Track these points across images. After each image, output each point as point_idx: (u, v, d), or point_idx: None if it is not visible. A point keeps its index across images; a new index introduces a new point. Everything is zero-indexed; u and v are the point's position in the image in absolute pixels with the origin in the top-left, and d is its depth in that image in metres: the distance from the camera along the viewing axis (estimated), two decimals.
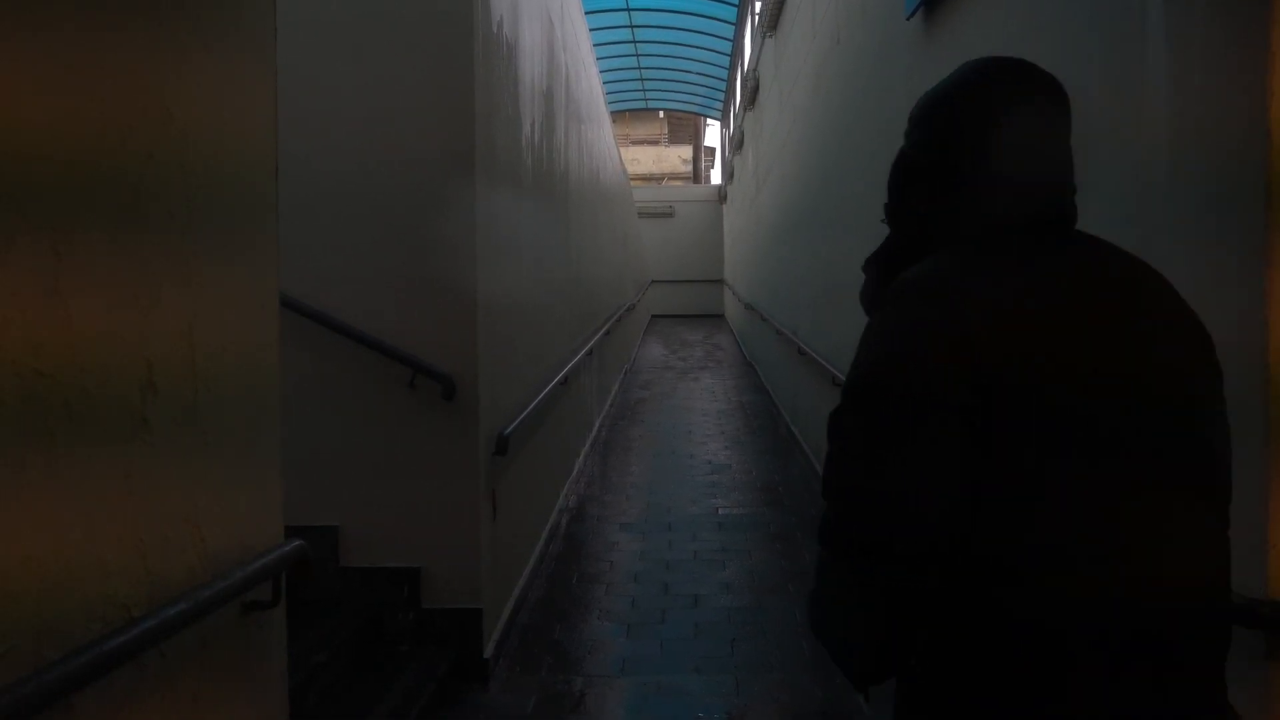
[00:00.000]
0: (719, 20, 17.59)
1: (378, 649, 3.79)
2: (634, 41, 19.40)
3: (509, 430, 4.19)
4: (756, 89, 13.91)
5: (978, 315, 1.07)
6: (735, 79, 19.25)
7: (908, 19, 4.41)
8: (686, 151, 38.23)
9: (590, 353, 8.17)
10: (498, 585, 4.17)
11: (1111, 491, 1.07)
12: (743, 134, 17.11)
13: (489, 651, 3.93)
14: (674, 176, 35.26)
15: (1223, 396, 1.21)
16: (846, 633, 1.17)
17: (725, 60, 19.72)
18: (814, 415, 7.72)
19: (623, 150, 31.84)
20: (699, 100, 24.39)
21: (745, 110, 16.05)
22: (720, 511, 6.56)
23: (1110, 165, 2.23)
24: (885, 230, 1.37)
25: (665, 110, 32.39)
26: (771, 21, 11.35)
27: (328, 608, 3.78)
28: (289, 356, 4.02)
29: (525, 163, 5.06)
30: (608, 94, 16.82)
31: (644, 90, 23.35)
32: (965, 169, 1.22)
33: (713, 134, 38.26)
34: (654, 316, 25.28)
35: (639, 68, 21.34)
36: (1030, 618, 1.06)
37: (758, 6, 13.64)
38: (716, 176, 31.82)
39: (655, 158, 36.40)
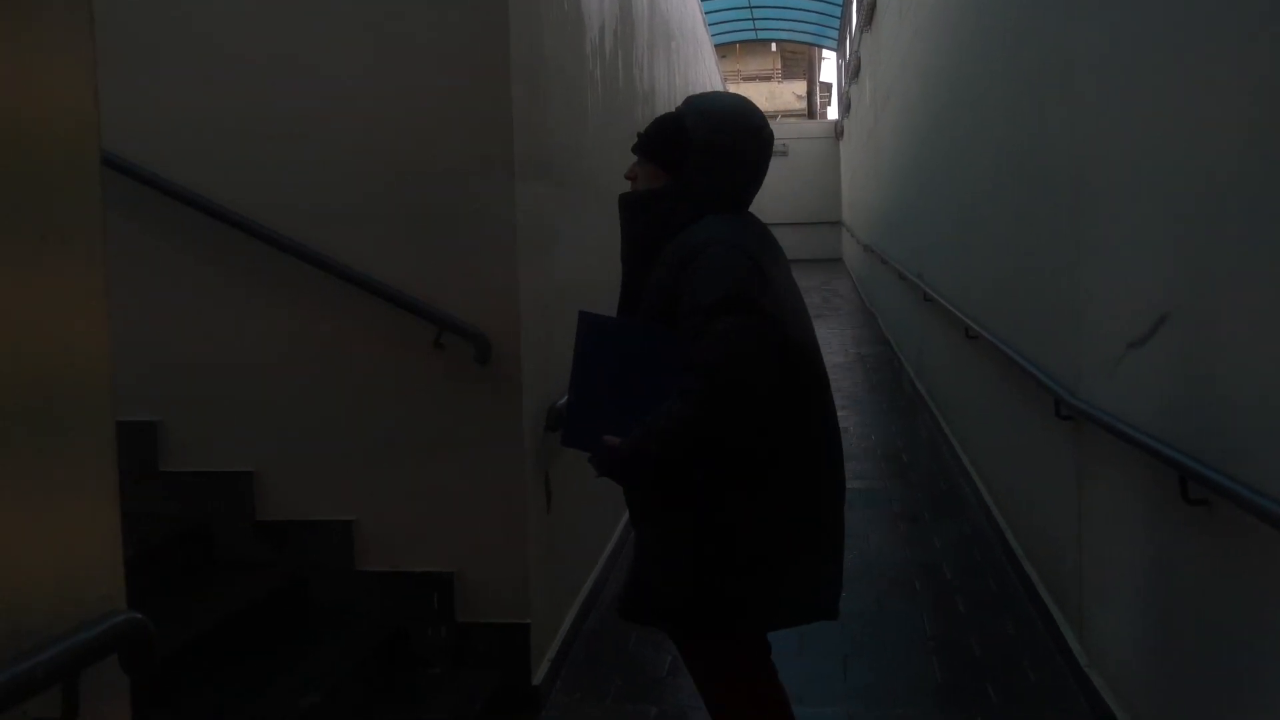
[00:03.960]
0: None
1: (403, 671, 3.10)
2: None
3: (565, 401, 3.40)
4: (874, 6, 12.61)
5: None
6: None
7: None
8: (800, 87, 36.41)
9: None
10: (552, 593, 3.41)
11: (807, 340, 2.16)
12: (859, 60, 15.77)
13: (540, 676, 3.19)
14: (788, 114, 33.61)
15: None
16: (684, 461, 1.97)
17: None
18: (944, 371, 6.70)
19: (734, 87, 30.58)
20: (813, 29, 22.88)
21: (862, 33, 14.72)
22: None
23: None
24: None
25: (777, 42, 30.84)
26: None
27: (341, 620, 3.10)
28: (274, 315, 3.22)
29: (591, 74, 4.20)
30: (711, 25, 15.72)
31: (753, 20, 21.99)
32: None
33: (828, 68, 36.44)
34: None
35: None
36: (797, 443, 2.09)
37: None
38: (834, 114, 30.19)
39: (768, 95, 34.78)
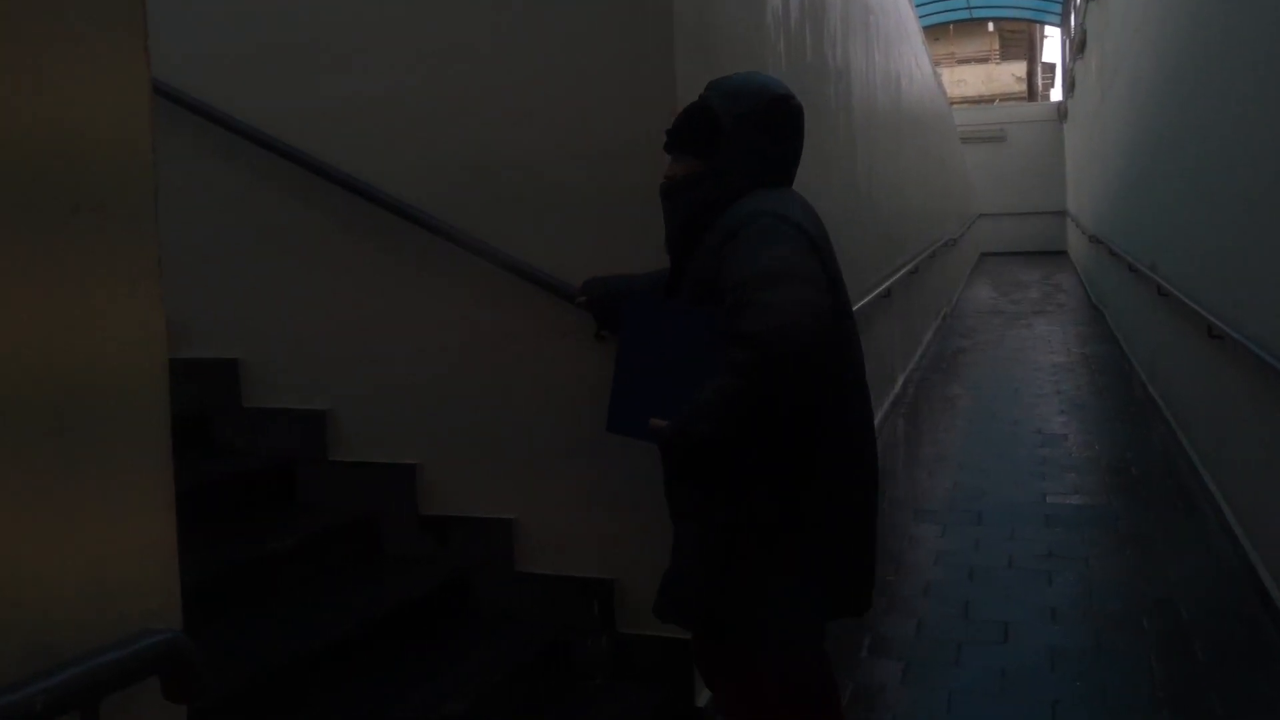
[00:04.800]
0: None
1: (559, 681, 2.93)
2: None
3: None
4: None
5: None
6: None
7: None
8: (1020, 68, 34.19)
9: (888, 294, 6.86)
10: None
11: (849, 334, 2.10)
12: (1085, 33, 14.53)
13: (705, 698, 2.94)
14: (1006, 97, 31.65)
15: None
16: (734, 439, 1.86)
17: None
18: (1182, 375, 5.94)
19: (947, 71, 29.10)
20: (1034, 3, 21.40)
21: (1088, 3, 13.53)
22: (1049, 499, 5.09)
23: None
24: None
25: (994, 21, 29.11)
26: None
27: (498, 623, 2.97)
28: (443, 306, 3.03)
29: (774, 48, 3.91)
30: (920, 4, 14.94)
31: None
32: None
33: (1051, 47, 34.14)
34: (983, 255, 22.79)
35: None
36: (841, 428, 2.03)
37: None
38: (1057, 95, 28.17)
39: (985, 77, 32.91)
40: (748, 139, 2.08)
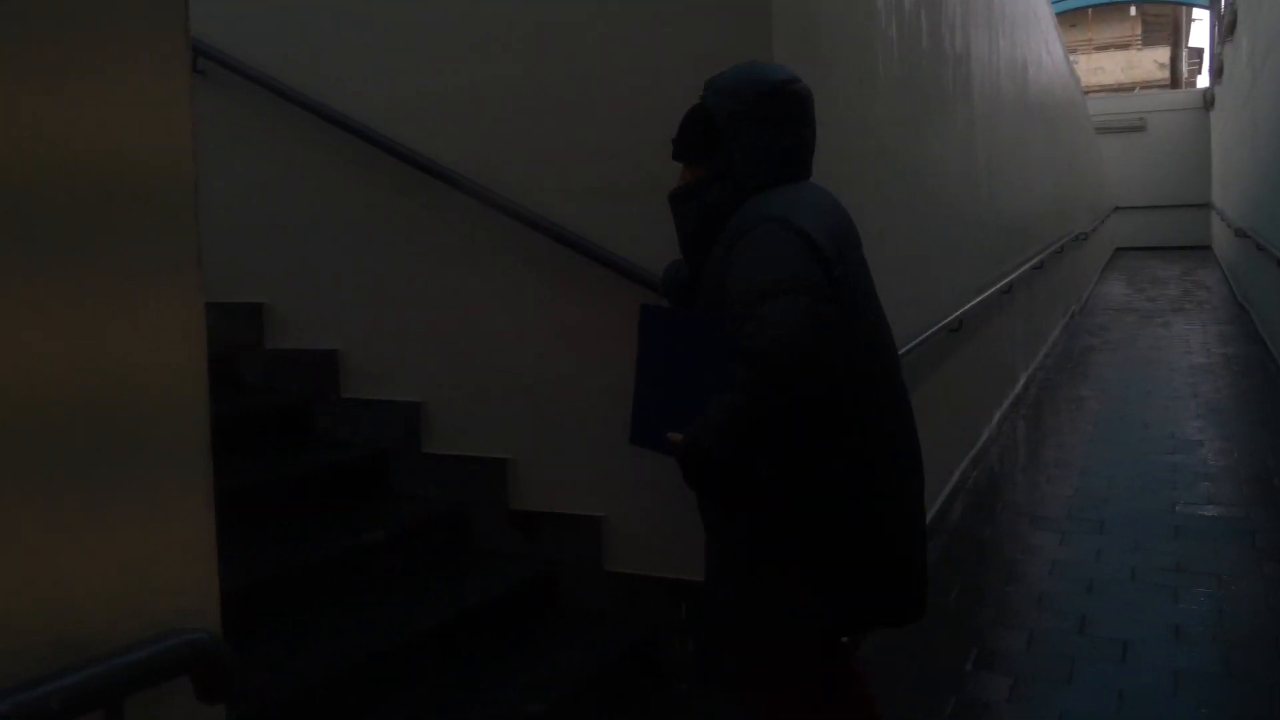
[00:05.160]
0: None
1: (644, 685, 2.88)
2: None
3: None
4: None
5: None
6: None
7: None
8: (1163, 54, 32.34)
9: (1009, 289, 6.56)
10: None
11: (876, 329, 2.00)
12: (1235, 14, 13.62)
13: None
14: (1148, 84, 30.03)
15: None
16: (742, 456, 1.79)
17: None
18: None
19: (1084, 58, 27.84)
20: None
21: None
22: (1179, 509, 4.76)
23: None
24: None
25: (1136, 4, 27.64)
26: None
27: (585, 622, 2.94)
28: (536, 300, 3.00)
29: (884, 32, 3.75)
30: None
31: None
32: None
33: (1199, 30, 32.30)
34: (1118, 249, 21.69)
35: None
36: (855, 438, 1.90)
37: None
38: (1203, 81, 26.56)
39: (1125, 64, 31.29)
40: (749, 135, 1.98)
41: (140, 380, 1.07)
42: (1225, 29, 15.72)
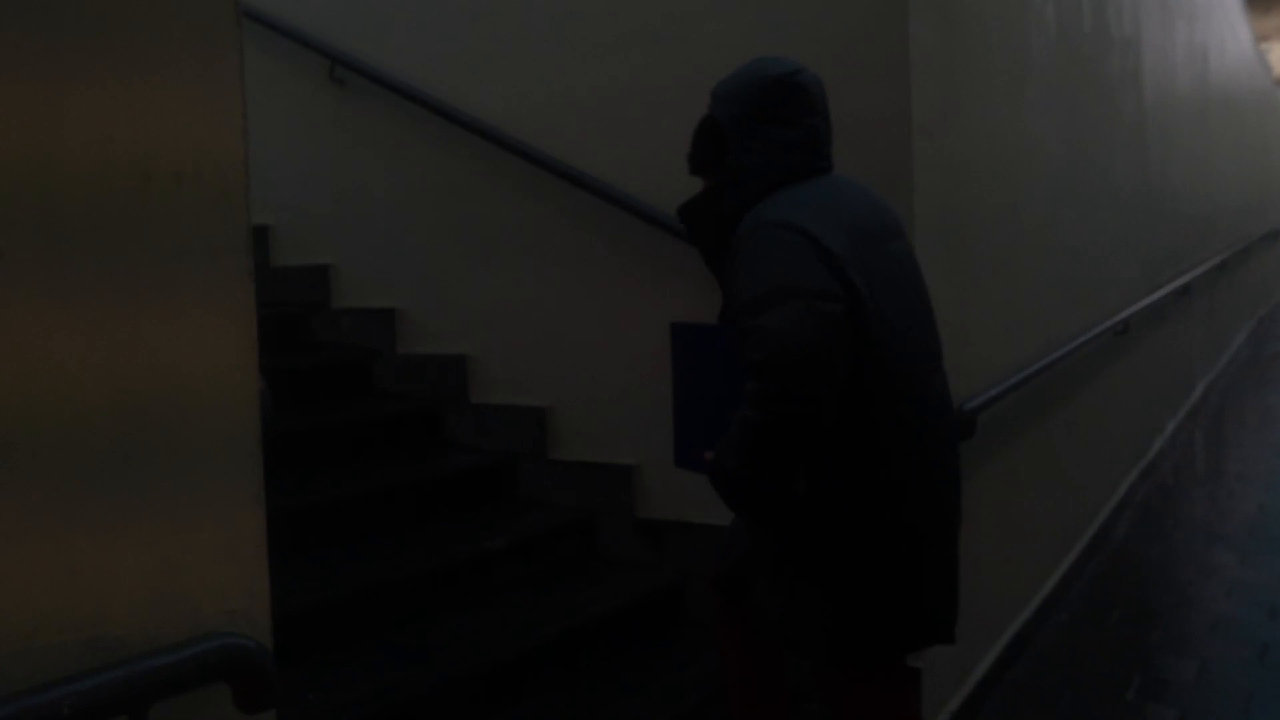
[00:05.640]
0: None
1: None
2: None
3: (977, 403, 2.82)
4: None
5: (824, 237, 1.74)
6: None
7: None
8: None
9: (1185, 290, 6.07)
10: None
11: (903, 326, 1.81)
12: None
13: None
14: None
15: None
16: (766, 472, 1.72)
17: None
18: None
19: (1278, 45, 25.62)
20: None
21: None
22: None
23: None
24: None
25: None
26: None
27: (706, 638, 2.84)
28: (659, 304, 2.99)
29: (1038, 13, 3.52)
30: None
31: None
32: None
33: None
34: None
35: None
36: (882, 442, 1.77)
37: None
38: None
39: None
40: (745, 136, 1.90)
41: (180, 376, 1.04)
42: None
